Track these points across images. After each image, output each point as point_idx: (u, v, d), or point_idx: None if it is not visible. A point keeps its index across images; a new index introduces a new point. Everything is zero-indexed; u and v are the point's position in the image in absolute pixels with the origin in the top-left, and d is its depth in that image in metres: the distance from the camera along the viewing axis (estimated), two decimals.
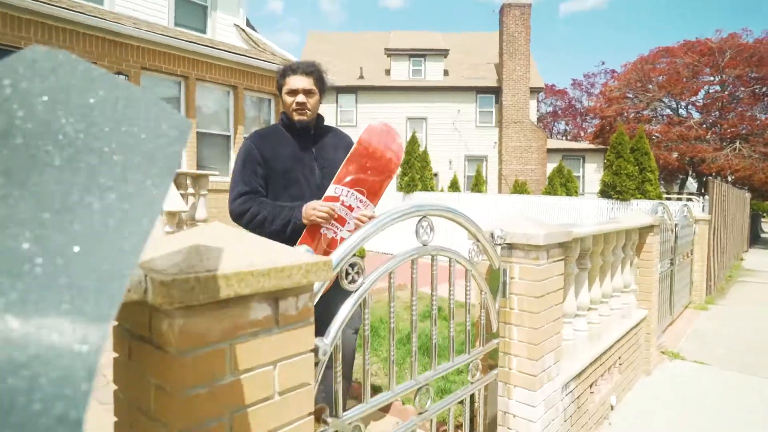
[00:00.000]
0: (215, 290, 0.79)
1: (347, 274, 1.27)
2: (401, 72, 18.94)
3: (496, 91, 18.42)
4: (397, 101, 18.61)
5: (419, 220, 1.52)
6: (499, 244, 1.95)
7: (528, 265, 1.95)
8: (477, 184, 12.23)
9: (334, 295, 1.61)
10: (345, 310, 1.26)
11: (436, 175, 16.10)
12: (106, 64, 6.17)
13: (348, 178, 1.92)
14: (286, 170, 1.91)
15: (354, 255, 1.26)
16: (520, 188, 11.23)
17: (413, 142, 10.65)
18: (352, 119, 18.69)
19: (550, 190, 10.65)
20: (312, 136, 2.01)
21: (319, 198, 1.89)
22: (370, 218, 1.86)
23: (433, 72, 18.89)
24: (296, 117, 1.94)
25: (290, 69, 1.95)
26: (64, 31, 5.93)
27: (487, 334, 1.93)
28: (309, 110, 1.94)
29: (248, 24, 9.83)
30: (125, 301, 0.73)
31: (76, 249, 0.37)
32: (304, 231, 1.86)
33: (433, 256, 1.59)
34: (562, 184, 10.86)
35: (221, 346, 0.83)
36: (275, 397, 0.93)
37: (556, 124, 36.88)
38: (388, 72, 19.43)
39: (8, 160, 0.37)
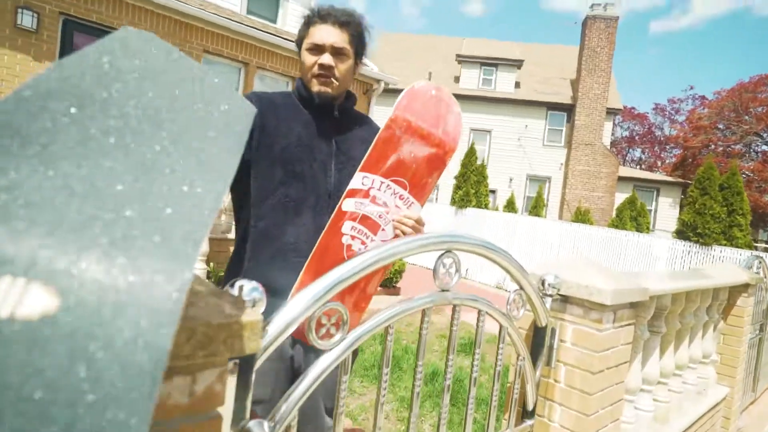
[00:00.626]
0: None
1: (320, 325, 0.88)
2: (471, 80, 18.38)
3: (568, 109, 17.40)
4: (464, 110, 18.03)
5: (441, 255, 1.11)
6: (551, 295, 1.49)
7: (587, 328, 1.47)
8: (536, 207, 11.45)
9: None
10: (311, 377, 0.88)
11: (493, 192, 15.40)
12: (170, 43, 6.20)
13: (382, 164, 1.31)
14: (288, 159, 1.30)
15: (328, 302, 0.87)
16: (582, 216, 10.34)
17: (471, 153, 10.11)
18: None
19: (618, 222, 9.70)
20: (335, 120, 1.39)
21: (329, 209, 1.32)
22: (417, 222, 1.34)
23: (504, 83, 18.18)
24: (315, 87, 1.32)
25: (318, 15, 1.32)
26: (134, 8, 6.01)
27: (519, 408, 1.48)
28: (336, 79, 1.32)
29: None
30: None
31: (163, 202, 0.43)
32: (318, 242, 1.27)
33: (455, 306, 1.17)
34: (633, 217, 9.87)
35: None
36: None
37: (630, 150, 34.53)
38: (457, 79, 18.94)
39: (108, 125, 0.46)
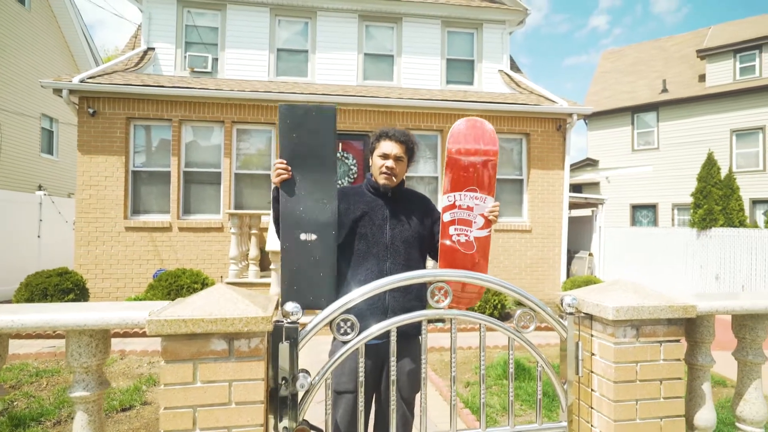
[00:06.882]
0: (177, 328, 1.33)
1: (339, 327, 1.57)
2: (721, 75, 15.36)
3: None
4: (715, 111, 15.13)
5: (431, 285, 1.65)
6: (571, 314, 1.75)
7: (604, 341, 1.68)
8: None
9: (402, 349, 1.89)
10: (333, 357, 1.57)
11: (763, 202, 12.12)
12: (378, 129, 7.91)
13: (454, 184, 2.04)
14: (356, 226, 2.02)
15: (345, 312, 1.56)
16: None
17: (709, 165, 8.46)
18: (653, 141, 16.30)
19: None
20: (389, 198, 2.09)
21: (387, 255, 2.01)
22: (494, 208, 2.05)
23: None
24: (382, 180, 2.04)
25: (386, 134, 2.07)
26: (354, 112, 7.94)
27: (558, 409, 1.75)
28: (395, 176, 2.05)
29: (512, 66, 10.29)
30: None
31: (323, 202, 1.94)
32: (439, 242, 2.05)
33: (451, 319, 1.67)
34: None
35: (189, 363, 1.36)
36: (232, 404, 1.38)
37: None
38: (702, 78, 16.11)
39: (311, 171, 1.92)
